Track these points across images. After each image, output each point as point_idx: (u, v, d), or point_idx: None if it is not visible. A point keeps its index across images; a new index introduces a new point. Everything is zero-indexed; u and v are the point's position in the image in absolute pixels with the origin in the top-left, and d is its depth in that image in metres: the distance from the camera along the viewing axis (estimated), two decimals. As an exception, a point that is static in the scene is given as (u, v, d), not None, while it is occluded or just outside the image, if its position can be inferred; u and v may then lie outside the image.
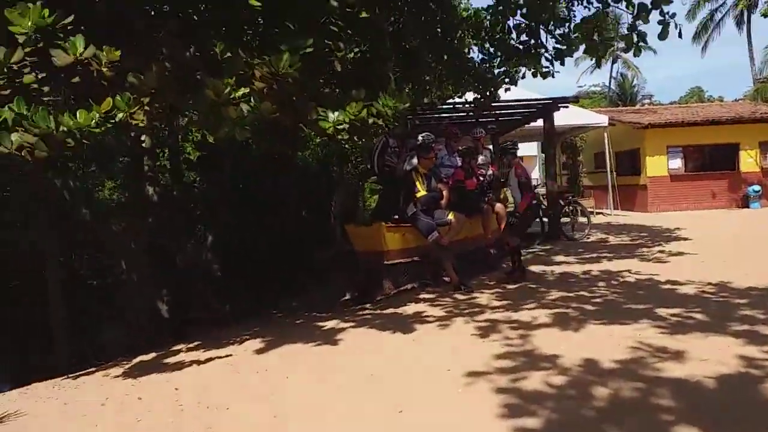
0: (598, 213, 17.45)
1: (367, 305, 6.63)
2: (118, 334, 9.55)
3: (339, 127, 4.64)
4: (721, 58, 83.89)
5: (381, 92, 4.97)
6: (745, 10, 32.14)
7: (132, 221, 8.63)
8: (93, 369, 5.09)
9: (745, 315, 4.93)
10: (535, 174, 36.03)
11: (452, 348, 4.53)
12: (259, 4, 5.03)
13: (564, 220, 11.90)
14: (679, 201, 18.13)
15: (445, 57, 11.00)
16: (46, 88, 3.88)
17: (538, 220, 11.42)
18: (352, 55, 6.60)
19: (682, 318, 4.91)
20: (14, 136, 3.41)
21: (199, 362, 4.74)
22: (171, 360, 4.98)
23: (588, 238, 11.61)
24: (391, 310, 6.11)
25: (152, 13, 5.13)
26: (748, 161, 18.25)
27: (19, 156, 3.48)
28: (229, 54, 4.30)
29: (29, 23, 3.45)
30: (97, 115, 3.65)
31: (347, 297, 7.53)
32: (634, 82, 45.30)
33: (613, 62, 43.89)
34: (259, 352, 4.86)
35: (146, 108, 4.01)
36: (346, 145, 14.88)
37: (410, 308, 6.10)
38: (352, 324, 5.57)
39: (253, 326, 6.38)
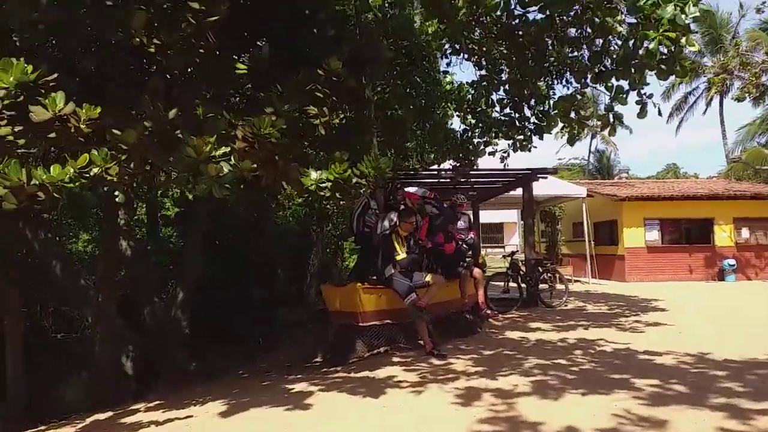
0: (576, 281, 17.50)
1: (339, 368, 6.41)
2: (80, 390, 9.14)
3: (321, 185, 4.65)
4: (696, 136, 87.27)
5: (364, 155, 5.02)
6: (717, 95, 33.68)
7: (102, 275, 8.40)
8: (43, 428, 4.80)
9: (723, 387, 4.84)
10: (515, 240, 36.42)
11: (423, 416, 4.35)
12: (245, 68, 5.11)
13: (542, 286, 11.86)
14: (656, 272, 18.30)
15: (428, 126, 11.28)
16: (21, 141, 3.80)
17: (515, 285, 11.36)
18: (336, 120, 6.72)
19: (660, 389, 4.79)
20: (-19, 188, 3.30)
21: (156, 423, 4.49)
22: (127, 420, 4.72)
23: (566, 305, 11.54)
24: (363, 374, 5.89)
25: (138, 72, 5.15)
26: (723, 236, 18.59)
27: (-16, 207, 3.36)
28: (211, 114, 4.31)
29: (11, 78, 3.40)
30: (72, 170, 3.58)
31: (319, 359, 7.30)
32: (611, 156, 46.69)
33: (592, 137, 45.27)
34: (222, 414, 4.62)
35: (123, 164, 3.97)
36: (328, 206, 14.95)
37: (383, 372, 5.90)
38: (320, 387, 5.35)
39: (218, 386, 6.12)
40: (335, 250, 15.73)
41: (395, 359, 6.58)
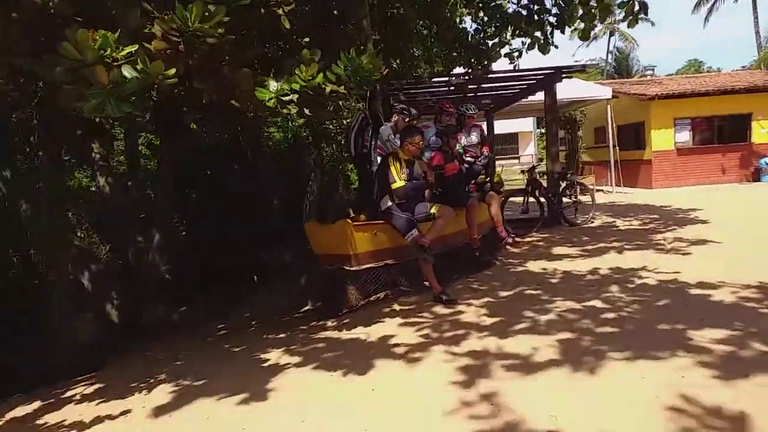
0: (598, 190, 16.21)
1: (329, 322, 5.38)
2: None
3: (284, 98, 3.40)
4: (719, 31, 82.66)
5: (344, 52, 3.65)
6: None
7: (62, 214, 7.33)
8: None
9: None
10: (531, 150, 34.80)
11: (421, 404, 3.28)
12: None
13: (565, 201, 10.59)
14: (685, 176, 16.96)
15: (435, 27, 9.73)
16: None
17: (534, 200, 10.10)
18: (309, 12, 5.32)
19: (732, 347, 3.63)
20: None
21: (80, 426, 3.50)
22: (49, 419, 3.74)
23: (592, 221, 10.37)
24: (353, 333, 4.83)
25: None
26: (761, 132, 16.97)
27: None
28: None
29: None
30: None
31: (309, 307, 6.29)
32: (631, 55, 44.24)
33: (610, 35, 42.81)
34: (163, 410, 3.57)
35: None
36: (329, 126, 13.56)
37: (378, 330, 4.82)
38: (297, 358, 4.30)
39: (179, 350, 5.13)
40: (337, 177, 14.42)
41: (396, 308, 5.53)
